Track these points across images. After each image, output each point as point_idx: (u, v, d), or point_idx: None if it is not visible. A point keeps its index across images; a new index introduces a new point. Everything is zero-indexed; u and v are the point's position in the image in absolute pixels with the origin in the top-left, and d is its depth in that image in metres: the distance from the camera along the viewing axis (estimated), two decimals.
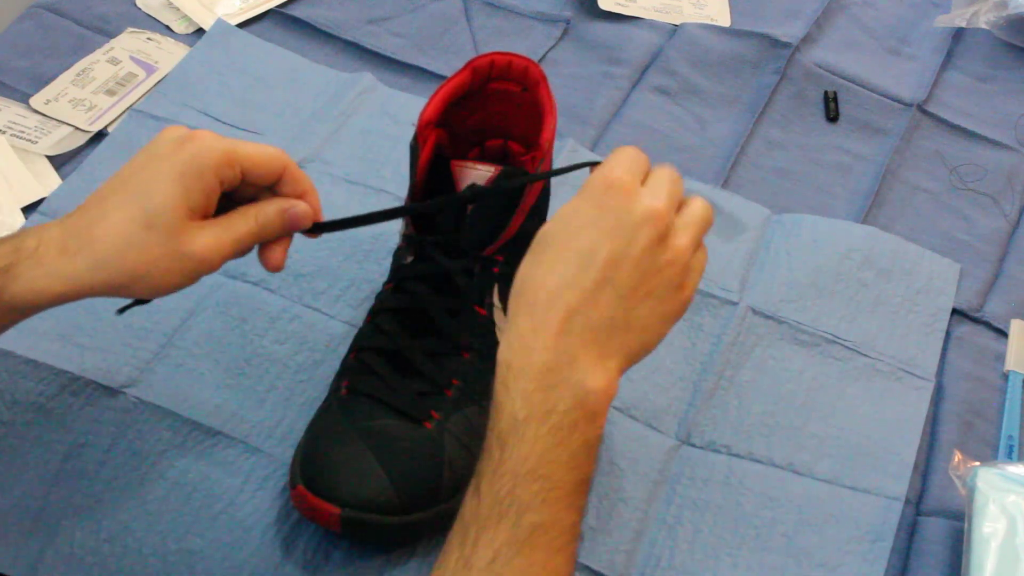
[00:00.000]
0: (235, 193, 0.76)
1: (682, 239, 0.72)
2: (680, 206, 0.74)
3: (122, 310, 0.80)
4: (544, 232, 0.72)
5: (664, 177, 0.73)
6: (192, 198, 0.72)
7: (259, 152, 0.75)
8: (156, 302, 0.98)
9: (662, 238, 0.71)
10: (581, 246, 0.70)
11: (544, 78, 0.89)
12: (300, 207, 0.77)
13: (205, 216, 0.74)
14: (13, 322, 0.75)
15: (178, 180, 0.71)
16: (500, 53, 0.89)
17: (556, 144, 1.12)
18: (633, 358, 0.73)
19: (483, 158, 0.95)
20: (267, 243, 0.78)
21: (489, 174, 0.84)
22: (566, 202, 0.72)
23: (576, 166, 0.80)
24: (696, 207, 0.74)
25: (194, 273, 0.73)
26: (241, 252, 0.76)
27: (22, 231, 0.73)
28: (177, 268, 0.72)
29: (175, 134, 0.74)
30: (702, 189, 1.14)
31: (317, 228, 0.79)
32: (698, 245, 0.74)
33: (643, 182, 0.72)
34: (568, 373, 0.69)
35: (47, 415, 0.90)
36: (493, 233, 0.86)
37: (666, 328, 0.74)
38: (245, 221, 0.75)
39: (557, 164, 1.11)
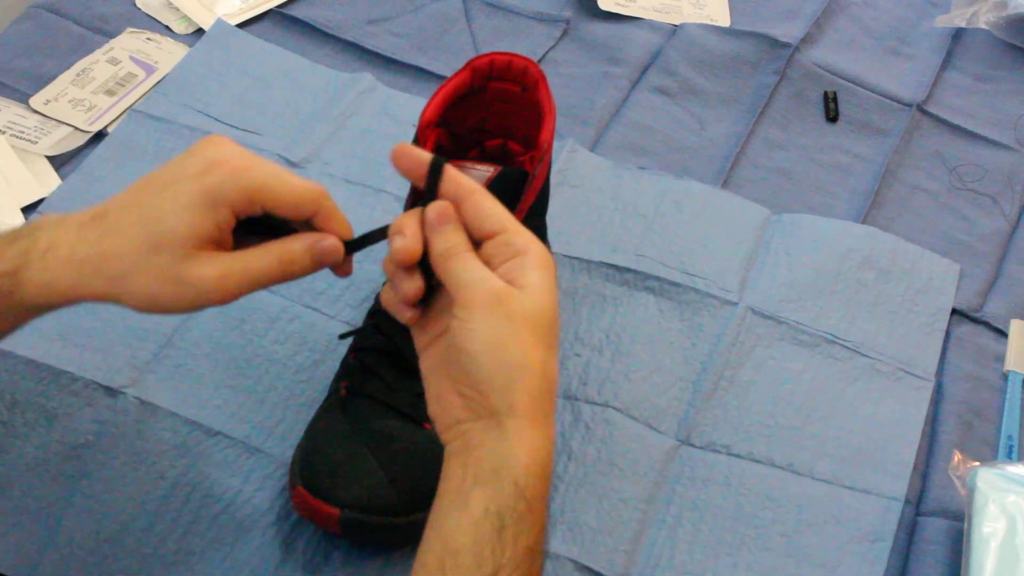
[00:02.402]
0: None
1: None
2: None
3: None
4: (551, 322, 0.68)
5: None
6: (202, 229, 0.69)
7: (287, 193, 0.70)
8: None
9: None
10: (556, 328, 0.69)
11: (543, 78, 0.89)
12: (328, 243, 0.72)
13: (223, 244, 0.71)
14: (23, 321, 0.74)
15: (190, 209, 0.68)
16: (500, 53, 0.89)
17: (556, 144, 1.12)
18: None
19: (483, 158, 0.95)
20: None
21: (488, 174, 0.84)
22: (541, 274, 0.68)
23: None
24: None
25: (196, 302, 0.70)
26: (263, 286, 0.72)
27: (39, 222, 0.72)
28: (179, 294, 0.69)
29: (208, 154, 0.70)
30: (702, 189, 1.14)
31: (348, 250, 0.73)
32: None
33: None
34: None
35: (47, 415, 0.90)
36: None
37: None
38: (266, 258, 0.71)
39: (557, 164, 1.12)
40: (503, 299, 0.66)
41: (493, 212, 0.69)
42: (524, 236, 0.69)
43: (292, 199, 0.71)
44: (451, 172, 0.70)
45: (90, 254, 0.69)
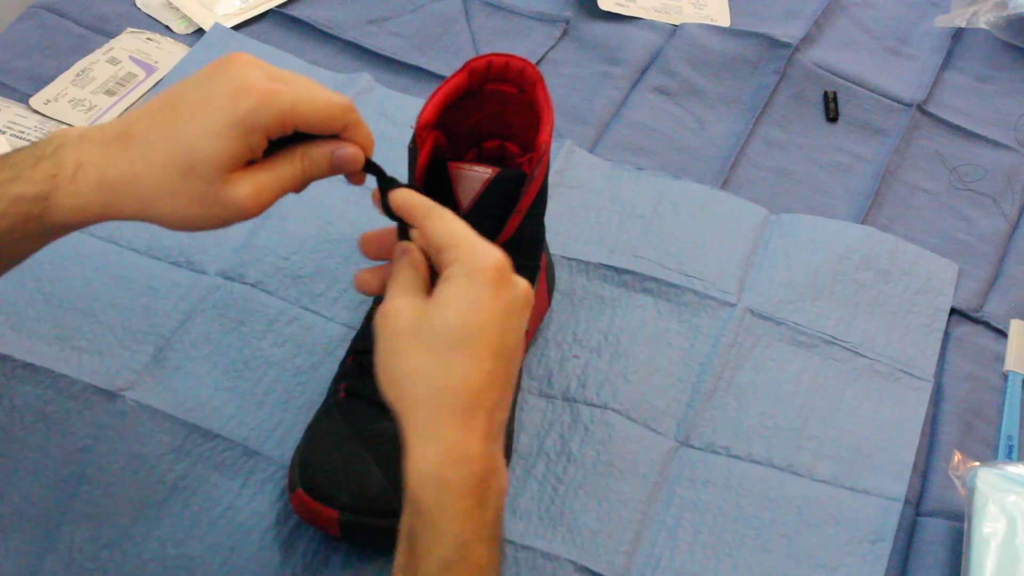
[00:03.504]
0: None
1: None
2: None
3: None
4: (449, 327, 0.68)
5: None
6: (237, 154, 0.70)
7: (317, 112, 0.72)
8: (152, 304, 0.98)
9: (525, 316, 0.71)
10: (493, 343, 0.68)
11: (541, 79, 0.89)
12: (348, 150, 0.74)
13: (250, 161, 0.72)
14: (53, 239, 0.75)
15: (223, 136, 0.69)
16: (497, 54, 0.89)
17: (554, 145, 1.13)
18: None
19: (480, 159, 0.95)
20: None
21: (486, 176, 0.84)
22: (458, 289, 0.69)
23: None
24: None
25: (232, 219, 0.72)
26: (289, 192, 0.74)
27: (60, 140, 0.72)
28: (214, 214, 0.71)
29: (235, 77, 0.70)
30: (700, 190, 1.14)
31: (366, 168, 0.76)
32: None
33: None
34: (493, 479, 0.67)
35: (45, 420, 0.90)
36: (491, 235, 0.86)
37: None
38: (291, 166, 0.73)
39: (555, 165, 1.12)
40: (386, 319, 0.69)
41: (443, 231, 0.71)
42: (454, 249, 0.70)
43: (322, 117, 0.73)
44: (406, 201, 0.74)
45: (121, 177, 0.70)
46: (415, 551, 0.66)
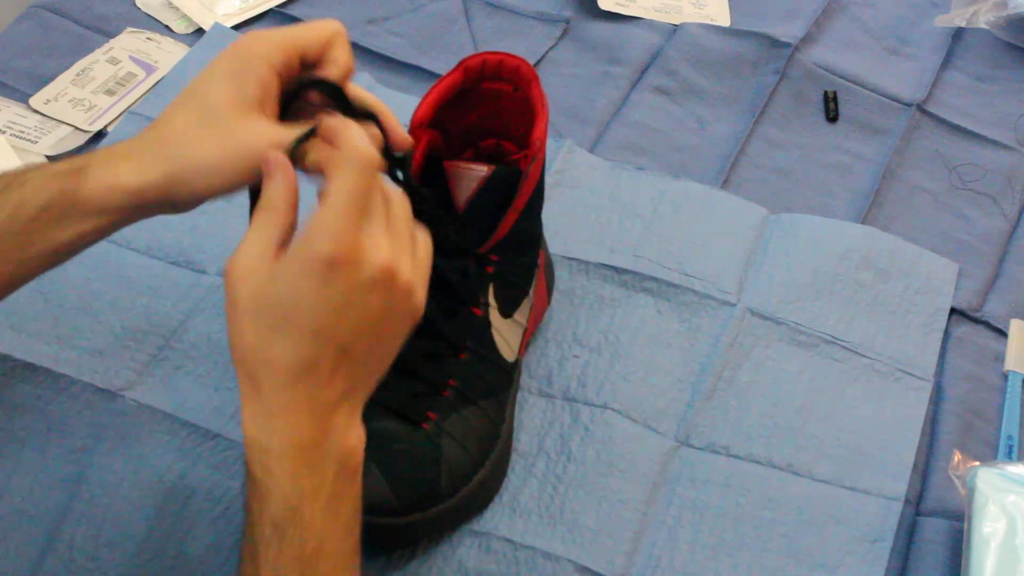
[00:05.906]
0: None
1: (410, 273, 0.70)
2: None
3: None
4: (265, 299, 0.67)
5: (391, 207, 0.70)
6: (245, 90, 0.73)
7: (310, 33, 0.76)
8: (152, 304, 0.98)
9: (393, 286, 0.69)
10: (315, 327, 0.67)
11: (536, 77, 0.89)
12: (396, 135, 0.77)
13: (268, 108, 0.75)
14: (88, 234, 0.76)
15: (230, 77, 0.73)
16: (491, 52, 0.89)
17: (554, 145, 1.13)
18: (372, 390, 0.73)
19: (477, 158, 0.95)
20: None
21: (483, 173, 0.84)
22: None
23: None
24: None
25: (251, 159, 0.72)
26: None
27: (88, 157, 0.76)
28: (237, 158, 0.73)
29: (235, 38, 0.77)
30: (700, 189, 1.14)
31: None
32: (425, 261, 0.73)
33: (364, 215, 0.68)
34: (327, 445, 0.68)
35: (45, 419, 0.90)
36: (487, 232, 0.86)
37: (400, 343, 0.73)
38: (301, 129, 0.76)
39: (555, 165, 1.12)
40: (230, 280, 0.69)
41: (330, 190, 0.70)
42: (314, 222, 0.68)
43: (316, 37, 0.76)
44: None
45: (148, 142, 0.74)
46: (250, 515, 0.68)
